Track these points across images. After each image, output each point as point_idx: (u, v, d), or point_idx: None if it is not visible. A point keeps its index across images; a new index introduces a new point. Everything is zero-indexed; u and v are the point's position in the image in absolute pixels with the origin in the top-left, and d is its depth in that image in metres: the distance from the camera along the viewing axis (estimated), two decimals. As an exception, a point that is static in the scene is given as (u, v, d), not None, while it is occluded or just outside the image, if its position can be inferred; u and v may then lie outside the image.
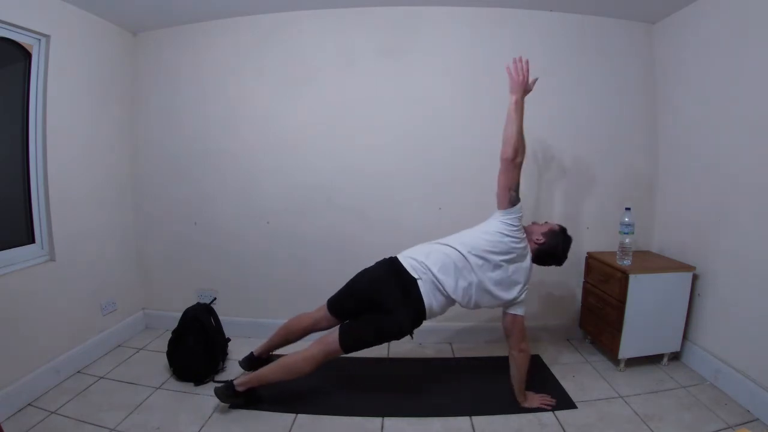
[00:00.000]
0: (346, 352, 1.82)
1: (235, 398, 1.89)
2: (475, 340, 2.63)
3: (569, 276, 2.61)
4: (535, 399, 1.96)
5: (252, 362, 2.14)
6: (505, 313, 1.93)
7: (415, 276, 1.81)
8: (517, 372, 1.92)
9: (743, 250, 1.97)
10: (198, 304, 2.34)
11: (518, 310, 1.89)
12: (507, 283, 1.85)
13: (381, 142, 2.56)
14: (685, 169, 2.38)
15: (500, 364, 2.39)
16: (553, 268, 2.56)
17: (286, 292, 2.68)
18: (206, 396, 2.03)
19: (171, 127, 2.68)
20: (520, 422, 1.83)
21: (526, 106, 1.89)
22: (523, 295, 1.89)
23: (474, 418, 1.87)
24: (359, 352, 1.86)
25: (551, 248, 1.93)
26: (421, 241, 2.61)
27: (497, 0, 2.41)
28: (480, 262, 1.82)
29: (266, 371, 1.89)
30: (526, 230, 1.94)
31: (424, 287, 1.79)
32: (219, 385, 1.93)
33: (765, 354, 1.83)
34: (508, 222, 1.83)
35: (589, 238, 2.59)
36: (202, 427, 1.80)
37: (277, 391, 2.03)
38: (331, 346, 1.82)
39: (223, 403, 1.91)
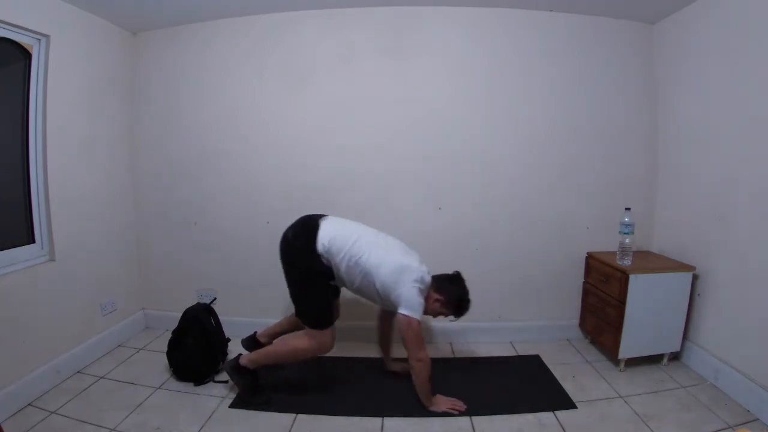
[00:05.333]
0: (310, 326, 1.91)
1: (239, 375, 1.95)
2: (475, 340, 2.63)
3: (569, 276, 2.61)
4: (442, 402, 1.92)
5: (253, 343, 2.22)
6: (395, 313, 1.86)
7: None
8: (417, 380, 1.88)
9: (743, 250, 1.96)
10: (198, 304, 2.34)
11: (410, 312, 1.80)
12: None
13: (381, 142, 2.56)
14: (685, 169, 2.37)
15: (500, 364, 2.40)
16: (554, 265, 2.59)
17: (286, 291, 2.67)
18: (206, 396, 2.03)
19: (171, 127, 2.67)
20: (519, 422, 1.83)
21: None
22: (411, 294, 1.81)
23: (474, 418, 1.86)
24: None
25: (453, 296, 1.95)
26: (420, 241, 2.61)
27: (497, 0, 2.41)
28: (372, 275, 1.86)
29: (269, 348, 2.00)
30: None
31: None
32: (227, 362, 2.02)
33: (765, 354, 1.83)
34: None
35: (589, 238, 2.59)
36: (202, 427, 1.80)
37: (277, 391, 2.04)
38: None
39: (235, 386, 2.00)
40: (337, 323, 2.72)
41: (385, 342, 2.23)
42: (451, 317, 2.00)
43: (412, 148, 2.55)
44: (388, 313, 2.13)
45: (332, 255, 1.84)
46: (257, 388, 2.00)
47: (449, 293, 1.94)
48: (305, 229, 1.92)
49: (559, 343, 2.61)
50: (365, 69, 2.54)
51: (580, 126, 2.55)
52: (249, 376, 1.97)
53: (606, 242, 2.53)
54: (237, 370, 1.96)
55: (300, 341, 1.92)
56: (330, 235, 1.86)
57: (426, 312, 1.92)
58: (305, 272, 1.89)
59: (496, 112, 2.54)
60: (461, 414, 1.89)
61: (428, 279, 1.92)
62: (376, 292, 1.87)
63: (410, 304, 1.80)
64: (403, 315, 1.80)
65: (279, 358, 1.98)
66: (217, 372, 2.22)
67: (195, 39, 2.61)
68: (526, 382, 2.18)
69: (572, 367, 2.32)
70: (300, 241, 1.89)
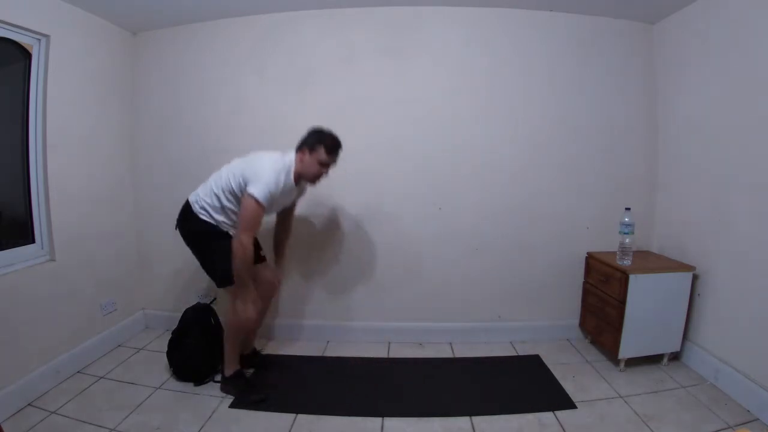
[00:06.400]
0: (221, 286, 1.96)
1: (227, 385, 2.04)
2: (475, 340, 2.63)
3: (569, 276, 2.61)
4: (233, 366, 2.03)
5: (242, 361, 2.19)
6: (290, 216, 2.07)
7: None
8: (234, 261, 1.81)
9: (743, 250, 1.97)
10: (198, 304, 2.34)
11: (254, 190, 1.77)
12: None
13: (381, 142, 2.56)
14: (685, 169, 2.37)
15: (500, 364, 2.40)
16: (554, 265, 2.60)
17: (285, 291, 2.68)
18: (206, 396, 2.03)
19: (171, 127, 2.67)
20: (519, 422, 1.83)
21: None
22: (262, 173, 1.80)
23: (474, 418, 1.86)
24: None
25: (312, 140, 1.92)
26: (421, 240, 2.63)
27: (497, 0, 2.41)
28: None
29: (224, 340, 2.05)
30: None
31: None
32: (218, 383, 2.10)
33: (765, 354, 1.83)
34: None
35: (589, 238, 2.59)
36: (202, 427, 1.80)
37: (277, 391, 2.04)
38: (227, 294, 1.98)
39: (230, 395, 2.02)
40: (337, 323, 2.74)
41: (278, 244, 2.28)
42: (331, 159, 1.93)
43: (412, 147, 2.55)
44: (282, 219, 2.24)
45: (207, 205, 1.92)
46: (249, 388, 2.04)
47: (308, 142, 1.93)
48: (181, 209, 2.03)
49: (559, 343, 2.61)
50: (365, 69, 2.53)
51: (580, 126, 2.55)
52: (235, 379, 2.04)
53: (606, 242, 2.53)
54: (226, 381, 2.06)
55: (230, 315, 1.98)
56: (196, 193, 1.99)
57: (308, 177, 1.95)
58: (196, 236, 1.96)
59: (496, 112, 2.55)
60: (463, 414, 1.89)
61: (289, 157, 1.93)
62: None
63: (256, 182, 1.78)
64: (248, 194, 1.78)
65: (233, 340, 2.02)
66: (217, 372, 2.22)
67: (195, 39, 2.61)
68: (526, 382, 2.18)
69: (572, 367, 2.32)
70: (181, 216, 2.02)
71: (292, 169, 1.92)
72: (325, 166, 1.94)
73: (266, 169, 1.82)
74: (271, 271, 2.24)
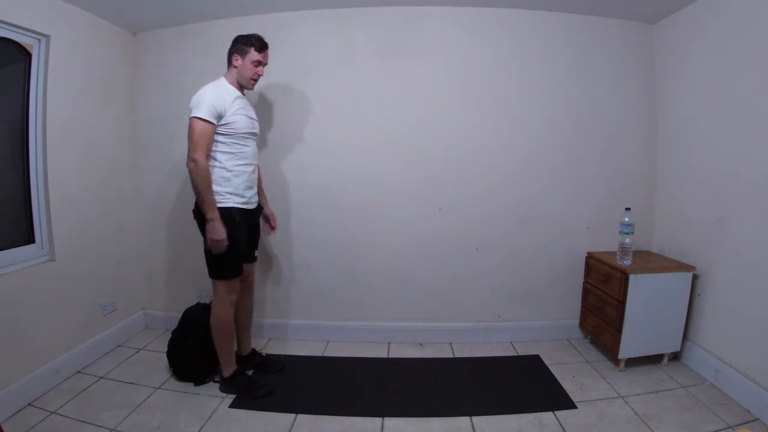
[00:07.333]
0: (213, 276, 1.98)
1: (228, 386, 2.06)
2: (475, 340, 2.63)
3: (569, 276, 2.61)
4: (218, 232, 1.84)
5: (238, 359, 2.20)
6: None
7: None
8: (193, 185, 1.82)
9: (743, 251, 1.97)
10: (198, 304, 2.34)
11: (194, 111, 1.80)
12: None
13: (381, 142, 2.56)
14: (685, 169, 2.38)
15: (500, 364, 2.40)
16: (554, 265, 2.59)
17: (285, 291, 2.69)
18: (206, 396, 2.03)
19: (171, 127, 2.66)
20: (519, 422, 1.83)
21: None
22: (198, 95, 1.83)
23: (474, 418, 1.86)
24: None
25: (234, 41, 1.98)
26: (421, 241, 2.63)
27: (497, 0, 2.41)
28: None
29: (215, 343, 2.05)
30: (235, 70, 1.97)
31: None
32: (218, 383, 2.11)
33: (765, 354, 1.83)
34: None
35: (589, 238, 2.59)
36: (202, 427, 1.81)
37: (277, 391, 2.04)
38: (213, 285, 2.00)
39: (230, 395, 2.03)
40: (337, 323, 2.73)
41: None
42: (263, 57, 1.97)
43: (412, 148, 2.55)
44: None
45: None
46: (251, 385, 2.06)
47: (238, 49, 1.96)
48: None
49: (559, 343, 2.61)
50: (365, 69, 2.53)
51: (580, 126, 2.55)
52: (234, 379, 2.06)
53: (606, 242, 2.53)
54: (225, 382, 2.06)
55: (212, 318, 2.02)
56: None
57: (246, 80, 1.97)
58: (199, 222, 1.93)
59: (496, 112, 2.55)
60: (463, 414, 1.89)
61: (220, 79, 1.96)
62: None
63: (195, 103, 1.82)
64: (190, 117, 1.81)
65: (219, 340, 2.03)
66: (217, 372, 2.21)
67: (195, 39, 2.61)
68: (526, 382, 2.18)
69: (572, 367, 2.32)
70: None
71: (227, 79, 1.96)
72: (259, 64, 1.98)
73: (201, 93, 1.85)
74: (251, 268, 2.22)
